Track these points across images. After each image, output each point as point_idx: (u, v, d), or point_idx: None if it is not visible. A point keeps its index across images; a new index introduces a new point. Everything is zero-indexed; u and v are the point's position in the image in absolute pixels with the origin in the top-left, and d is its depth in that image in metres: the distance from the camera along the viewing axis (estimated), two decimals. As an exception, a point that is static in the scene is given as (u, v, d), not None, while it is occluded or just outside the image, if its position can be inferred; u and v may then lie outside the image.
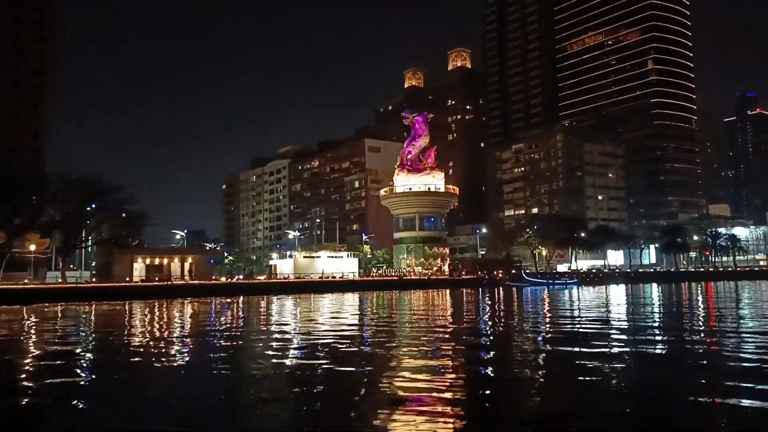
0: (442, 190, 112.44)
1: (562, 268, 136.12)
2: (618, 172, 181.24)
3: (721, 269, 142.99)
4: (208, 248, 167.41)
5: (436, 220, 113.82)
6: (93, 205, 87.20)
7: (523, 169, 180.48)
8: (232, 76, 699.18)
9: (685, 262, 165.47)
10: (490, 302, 50.98)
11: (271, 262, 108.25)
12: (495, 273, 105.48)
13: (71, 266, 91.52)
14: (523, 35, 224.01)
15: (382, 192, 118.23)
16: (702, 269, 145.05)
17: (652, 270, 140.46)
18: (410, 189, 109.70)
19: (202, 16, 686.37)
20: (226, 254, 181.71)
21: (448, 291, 79.68)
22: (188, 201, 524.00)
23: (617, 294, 62.46)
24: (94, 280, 76.41)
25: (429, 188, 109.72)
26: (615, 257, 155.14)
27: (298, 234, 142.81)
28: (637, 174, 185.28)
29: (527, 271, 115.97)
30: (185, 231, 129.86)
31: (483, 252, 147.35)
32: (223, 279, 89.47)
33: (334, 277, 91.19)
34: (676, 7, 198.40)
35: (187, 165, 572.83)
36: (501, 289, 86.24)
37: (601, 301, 49.94)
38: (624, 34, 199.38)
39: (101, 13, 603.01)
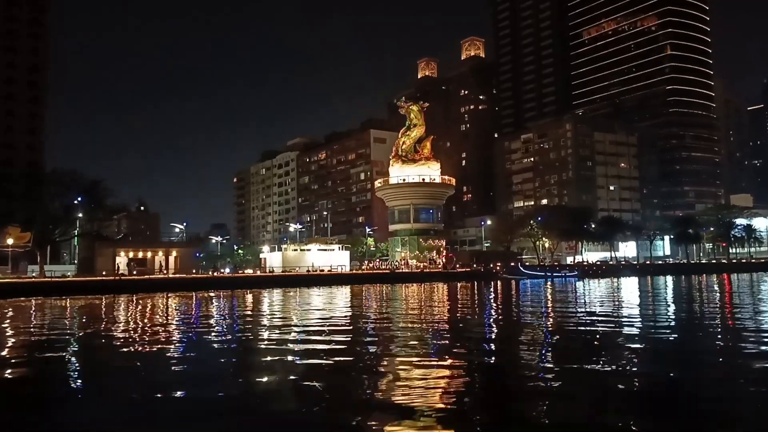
0: (438, 180, 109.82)
1: (571, 260, 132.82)
2: (631, 161, 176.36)
3: (734, 261, 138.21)
4: (214, 241, 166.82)
5: (432, 211, 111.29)
6: (80, 199, 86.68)
7: (532, 159, 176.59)
8: (240, 71, 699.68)
9: (701, 254, 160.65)
10: (462, 298, 48.90)
11: (261, 255, 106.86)
12: (491, 265, 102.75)
13: (52, 261, 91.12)
14: (535, 23, 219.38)
15: (377, 183, 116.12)
16: (714, 261, 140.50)
17: (661, 262, 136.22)
18: (404, 180, 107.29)
19: (210, 9, 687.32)
20: (236, 247, 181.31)
21: (439, 285, 77.49)
22: (210, 195, 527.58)
23: (612, 288, 59.20)
24: (69, 274, 75.61)
25: (423, 179, 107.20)
26: (628, 249, 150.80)
27: (300, 227, 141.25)
28: (651, 163, 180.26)
29: (527, 263, 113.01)
30: (185, 224, 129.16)
31: (488, 244, 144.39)
32: (211, 272, 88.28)
33: (323, 271, 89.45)
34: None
35: (206, 159, 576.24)
36: (495, 282, 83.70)
37: (583, 296, 47.03)
38: (639, 19, 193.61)
39: (107, 8, 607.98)
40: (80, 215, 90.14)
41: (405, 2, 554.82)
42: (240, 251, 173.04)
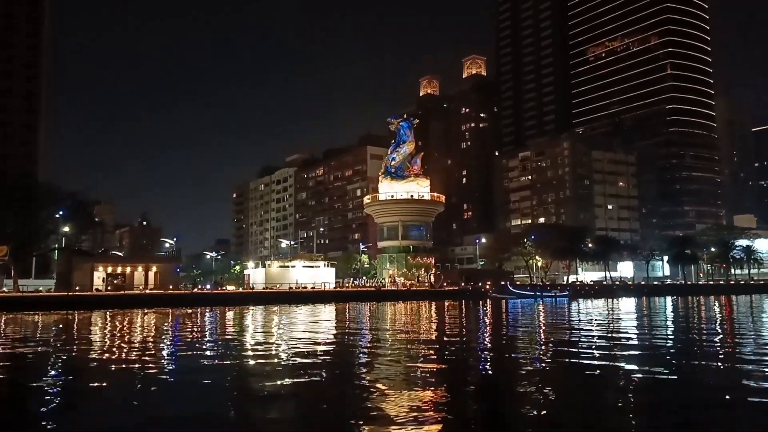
0: (427, 197, 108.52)
1: (569, 279, 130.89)
2: (629, 180, 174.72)
3: (732, 282, 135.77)
4: (209, 257, 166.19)
5: (422, 228, 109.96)
6: (61, 212, 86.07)
7: (529, 177, 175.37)
8: (241, 72, 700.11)
9: (702, 275, 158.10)
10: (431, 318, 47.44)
11: (245, 272, 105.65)
12: (480, 284, 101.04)
13: (39, 275, 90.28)
14: (536, 41, 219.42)
15: (365, 199, 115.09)
16: (712, 282, 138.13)
17: (657, 282, 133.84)
18: (393, 196, 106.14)
19: (210, 10, 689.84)
20: (233, 263, 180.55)
21: (424, 304, 75.92)
22: (213, 209, 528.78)
23: (600, 310, 56.44)
24: (42, 288, 74.62)
25: (412, 196, 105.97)
26: (627, 269, 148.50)
27: (292, 243, 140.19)
28: (650, 183, 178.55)
29: (517, 282, 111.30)
30: (175, 239, 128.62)
31: (482, 263, 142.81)
32: (190, 289, 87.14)
33: (305, 288, 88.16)
34: (695, 11, 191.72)
35: (210, 173, 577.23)
36: (483, 301, 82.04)
37: (564, 318, 44.90)
38: (640, 38, 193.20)
39: (105, 20, 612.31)
40: (66, 229, 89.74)
41: (408, 20, 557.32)
42: (237, 267, 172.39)
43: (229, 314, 53.06)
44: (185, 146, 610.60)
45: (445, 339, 28.75)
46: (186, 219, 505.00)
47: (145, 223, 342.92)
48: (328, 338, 29.27)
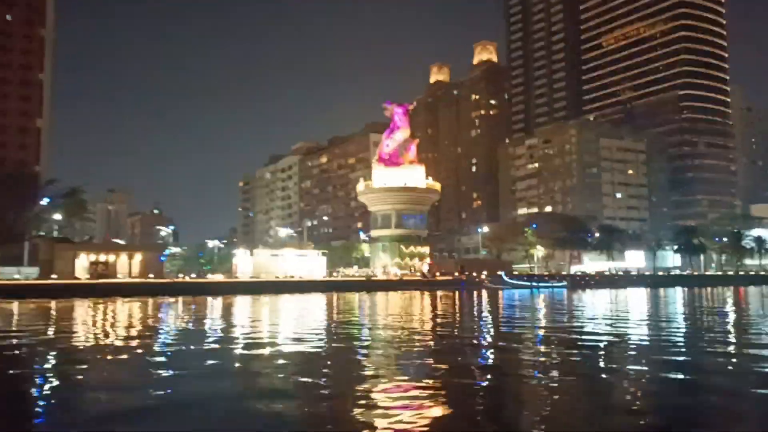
0: (422, 185, 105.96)
1: (575, 270, 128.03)
2: (639, 168, 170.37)
3: (742, 273, 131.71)
4: (210, 245, 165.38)
5: (418, 217, 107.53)
6: (48, 200, 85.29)
7: (536, 165, 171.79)
8: (252, 71, 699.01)
9: (713, 265, 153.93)
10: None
11: (233, 260, 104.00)
12: (474, 274, 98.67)
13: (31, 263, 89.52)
14: (547, 27, 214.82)
15: (359, 187, 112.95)
16: (720, 273, 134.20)
17: (662, 273, 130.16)
18: (386, 184, 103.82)
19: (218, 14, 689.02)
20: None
21: (413, 294, 73.49)
22: (225, 198, 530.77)
23: (582, 303, 53.01)
24: (18, 276, 73.66)
25: (406, 184, 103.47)
26: (637, 260, 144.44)
27: (291, 232, 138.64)
28: (661, 171, 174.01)
29: (515, 272, 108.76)
30: (172, 228, 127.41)
31: (485, 252, 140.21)
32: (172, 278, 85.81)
33: (292, 277, 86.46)
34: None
35: (221, 162, 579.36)
36: (477, 291, 79.66)
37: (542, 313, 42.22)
38: (652, 24, 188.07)
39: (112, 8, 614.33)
40: (58, 217, 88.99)
41: (418, 5, 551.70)
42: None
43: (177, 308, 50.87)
44: (202, 136, 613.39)
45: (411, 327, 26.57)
46: (202, 207, 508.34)
47: (156, 211, 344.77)
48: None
